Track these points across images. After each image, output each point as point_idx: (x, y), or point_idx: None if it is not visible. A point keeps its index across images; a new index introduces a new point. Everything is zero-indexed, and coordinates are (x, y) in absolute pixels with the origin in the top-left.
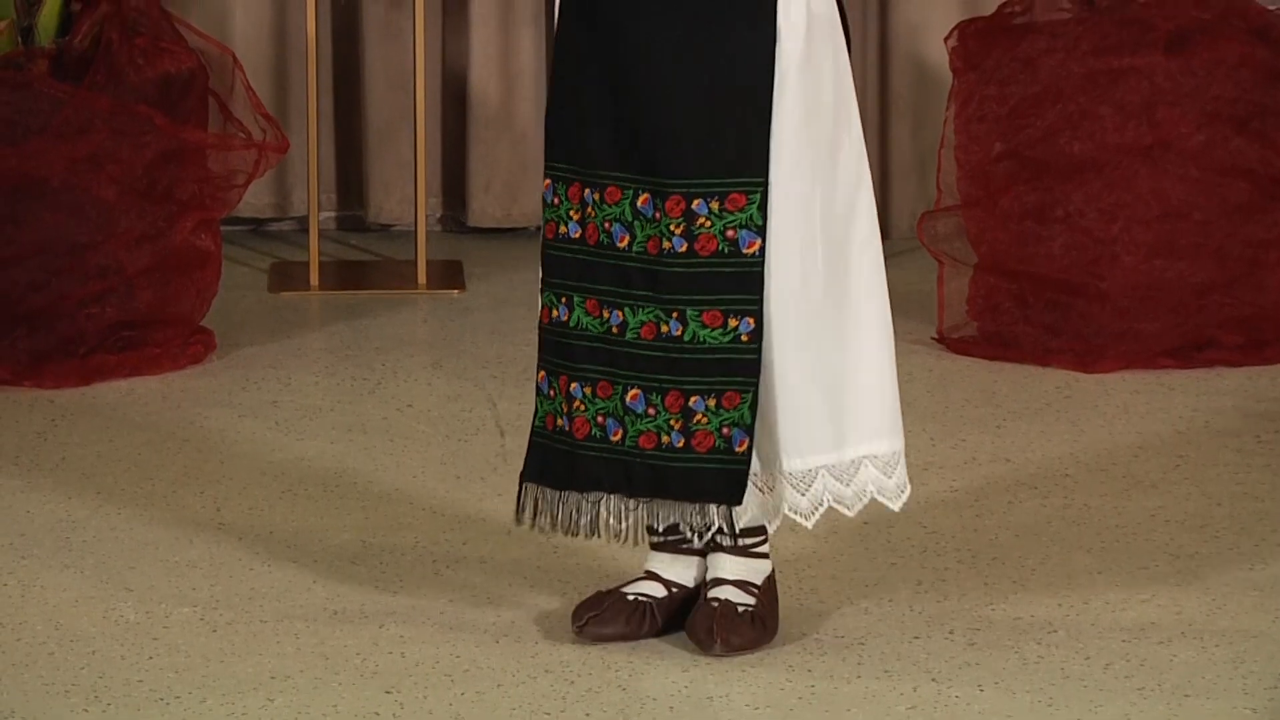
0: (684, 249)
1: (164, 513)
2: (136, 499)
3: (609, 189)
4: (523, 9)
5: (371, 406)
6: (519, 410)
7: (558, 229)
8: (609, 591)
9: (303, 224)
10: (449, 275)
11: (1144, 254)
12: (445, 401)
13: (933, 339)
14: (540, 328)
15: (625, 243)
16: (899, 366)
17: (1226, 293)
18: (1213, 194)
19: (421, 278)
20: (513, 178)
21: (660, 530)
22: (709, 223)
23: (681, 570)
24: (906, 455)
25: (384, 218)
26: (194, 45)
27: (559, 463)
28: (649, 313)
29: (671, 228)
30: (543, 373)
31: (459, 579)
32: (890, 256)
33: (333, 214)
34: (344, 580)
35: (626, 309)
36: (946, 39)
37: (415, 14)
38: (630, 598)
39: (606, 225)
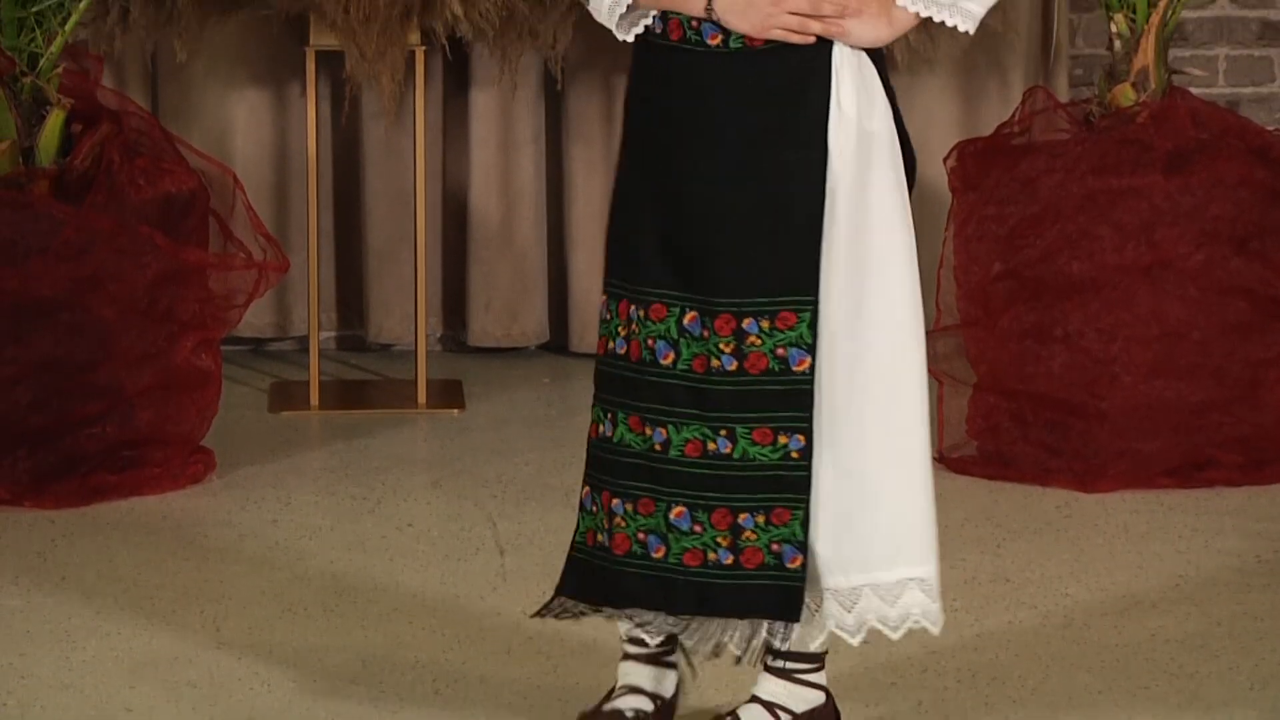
0: (734, 367)
1: (164, 632)
2: (137, 618)
3: (654, 306)
4: (523, 129)
5: (371, 526)
6: (518, 530)
7: (609, 344)
8: (601, 710)
9: (303, 343)
10: (449, 394)
11: (1143, 373)
12: (445, 521)
13: (932, 458)
14: (588, 443)
15: (670, 360)
16: None
17: (1226, 412)
18: (1212, 313)
19: (421, 397)
20: (513, 297)
21: (692, 647)
22: (759, 341)
23: (662, 682)
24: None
25: (384, 337)
26: (195, 165)
27: (597, 578)
28: (694, 430)
29: (721, 346)
30: (587, 488)
31: (459, 698)
32: None
33: (333, 333)
34: (344, 699)
35: (670, 426)
36: (945, 159)
37: (415, 134)
38: (630, 714)
39: (650, 342)
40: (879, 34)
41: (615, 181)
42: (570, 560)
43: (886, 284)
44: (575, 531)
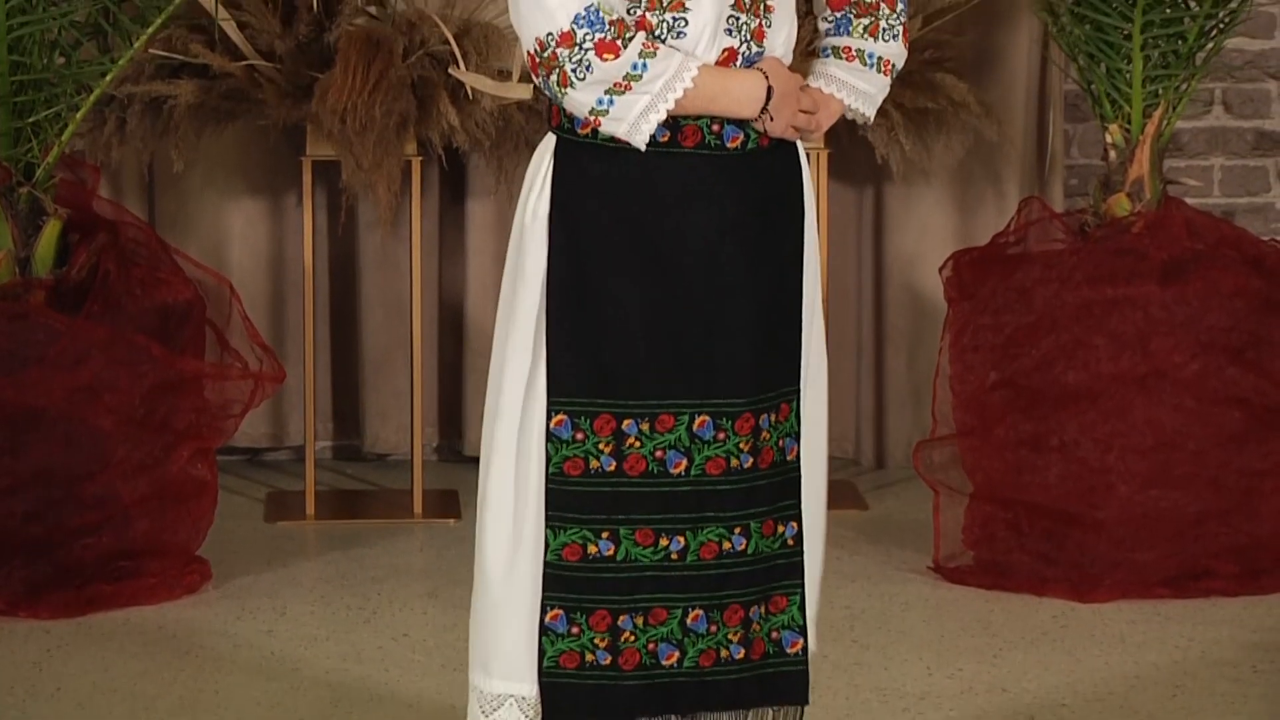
0: (749, 464)
1: None
2: None
3: (661, 416)
4: None
5: (368, 636)
6: None
7: (586, 464)
8: None
9: (299, 453)
10: (445, 504)
11: (1139, 483)
12: (441, 631)
13: (929, 568)
14: (557, 567)
15: (681, 468)
16: (896, 596)
17: (1222, 522)
18: (1208, 423)
19: (417, 507)
20: None
21: None
22: (769, 435)
23: None
24: (902, 685)
25: (380, 447)
26: (191, 275)
27: (593, 696)
28: (711, 532)
29: (741, 445)
30: (558, 611)
31: None
32: (886, 486)
33: (329, 443)
34: None
35: (687, 533)
36: (941, 269)
37: (411, 244)
38: None
39: (659, 454)
40: (824, 125)
41: (568, 299)
42: (548, 687)
43: (819, 366)
44: (543, 657)
